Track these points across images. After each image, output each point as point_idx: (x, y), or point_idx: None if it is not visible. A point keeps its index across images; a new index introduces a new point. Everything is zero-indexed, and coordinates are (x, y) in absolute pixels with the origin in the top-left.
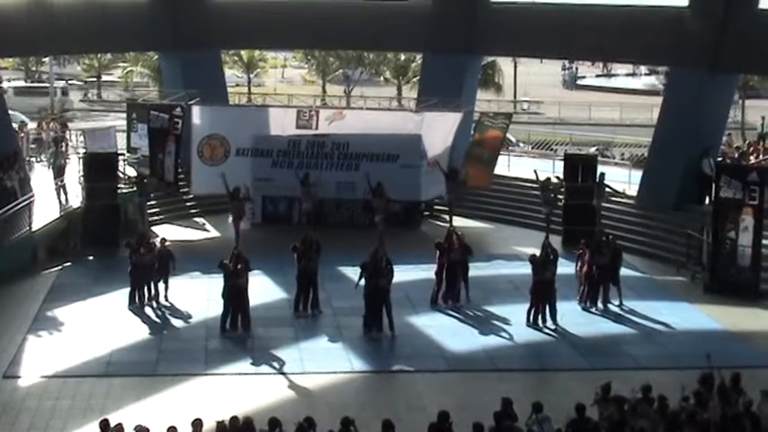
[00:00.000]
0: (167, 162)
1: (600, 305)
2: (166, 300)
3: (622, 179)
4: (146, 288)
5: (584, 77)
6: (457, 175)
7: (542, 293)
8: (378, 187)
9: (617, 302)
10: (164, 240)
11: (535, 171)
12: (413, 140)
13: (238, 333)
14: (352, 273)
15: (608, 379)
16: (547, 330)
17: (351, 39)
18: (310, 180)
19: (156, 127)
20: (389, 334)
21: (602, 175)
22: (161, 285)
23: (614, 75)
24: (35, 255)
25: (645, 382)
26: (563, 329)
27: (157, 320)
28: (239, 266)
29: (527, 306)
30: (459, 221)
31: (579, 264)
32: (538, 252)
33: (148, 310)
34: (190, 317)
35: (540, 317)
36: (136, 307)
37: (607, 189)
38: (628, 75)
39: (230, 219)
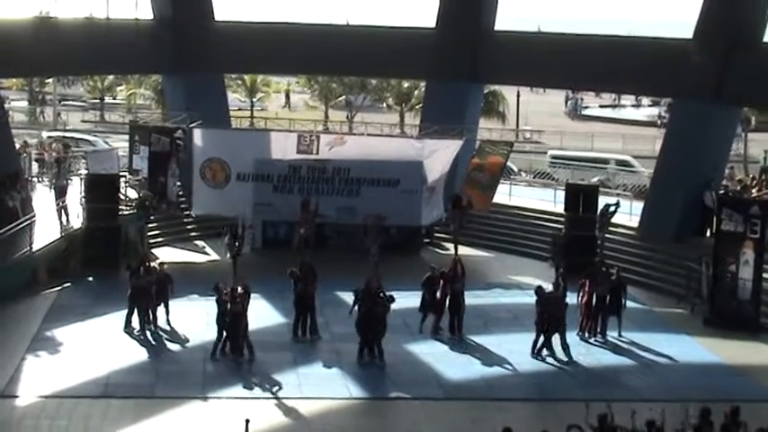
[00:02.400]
0: (170, 183)
1: (599, 336)
2: (168, 324)
3: (624, 210)
4: (144, 311)
5: (587, 107)
6: (460, 202)
7: (548, 325)
8: (377, 218)
9: (616, 333)
10: (162, 264)
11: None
12: (413, 166)
13: (232, 358)
14: (351, 298)
15: (606, 410)
16: (549, 360)
17: (354, 65)
18: (310, 207)
19: (156, 150)
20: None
21: (606, 206)
22: (161, 309)
23: (620, 105)
24: (35, 275)
25: (639, 412)
26: (561, 360)
27: (156, 343)
28: (237, 292)
29: (526, 335)
30: (460, 250)
31: (581, 294)
32: (542, 284)
33: (147, 333)
34: (188, 340)
35: (545, 348)
36: (132, 330)
37: (611, 209)
38: (633, 106)
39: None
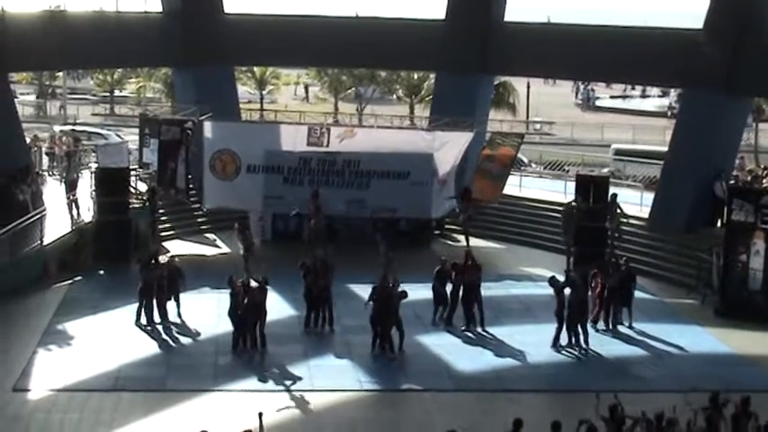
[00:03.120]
0: (180, 169)
1: (610, 326)
2: (179, 317)
3: (634, 201)
4: (155, 305)
5: (597, 98)
6: (469, 194)
7: (566, 316)
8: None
9: (627, 324)
10: (173, 258)
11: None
12: (424, 158)
13: (243, 350)
14: (362, 291)
15: (615, 401)
16: (561, 352)
17: (364, 57)
18: (319, 199)
19: (166, 139)
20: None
21: (614, 195)
22: (171, 303)
23: (629, 96)
24: (46, 268)
25: (651, 403)
26: (575, 350)
27: (167, 336)
28: (250, 285)
29: (537, 326)
30: (471, 241)
31: (593, 285)
32: (555, 275)
33: (158, 327)
34: (199, 332)
35: (567, 339)
36: (143, 323)
37: (618, 211)
38: (641, 96)
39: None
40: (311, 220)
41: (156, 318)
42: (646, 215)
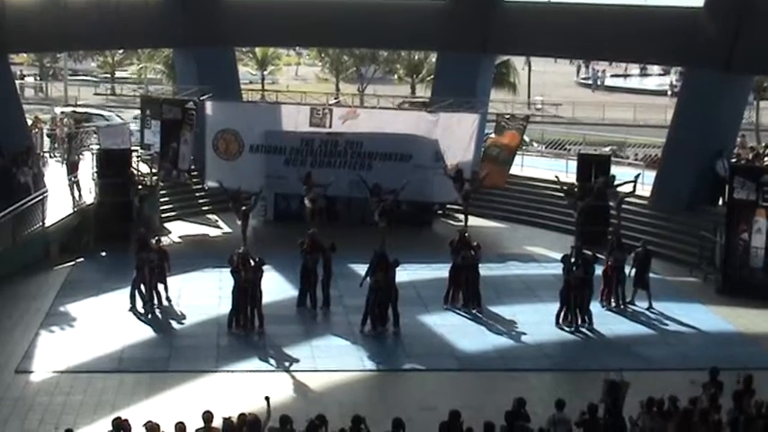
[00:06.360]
0: (183, 150)
1: (612, 303)
2: (167, 300)
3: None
4: (146, 287)
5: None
6: (462, 175)
7: (570, 293)
8: (374, 187)
9: (647, 306)
10: (158, 240)
11: (557, 177)
12: (427, 141)
13: (246, 331)
14: (363, 271)
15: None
16: (564, 330)
17: (365, 37)
18: (312, 180)
19: (168, 118)
20: (393, 330)
21: (613, 177)
22: (160, 286)
23: (629, 75)
24: (48, 250)
25: (654, 382)
26: (579, 329)
27: (169, 317)
28: (246, 264)
29: (539, 306)
30: (473, 221)
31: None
32: (564, 254)
33: (154, 308)
34: (201, 313)
35: (572, 318)
36: (143, 305)
37: (618, 189)
38: (642, 75)
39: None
40: (305, 201)
41: (147, 299)
42: (647, 194)
